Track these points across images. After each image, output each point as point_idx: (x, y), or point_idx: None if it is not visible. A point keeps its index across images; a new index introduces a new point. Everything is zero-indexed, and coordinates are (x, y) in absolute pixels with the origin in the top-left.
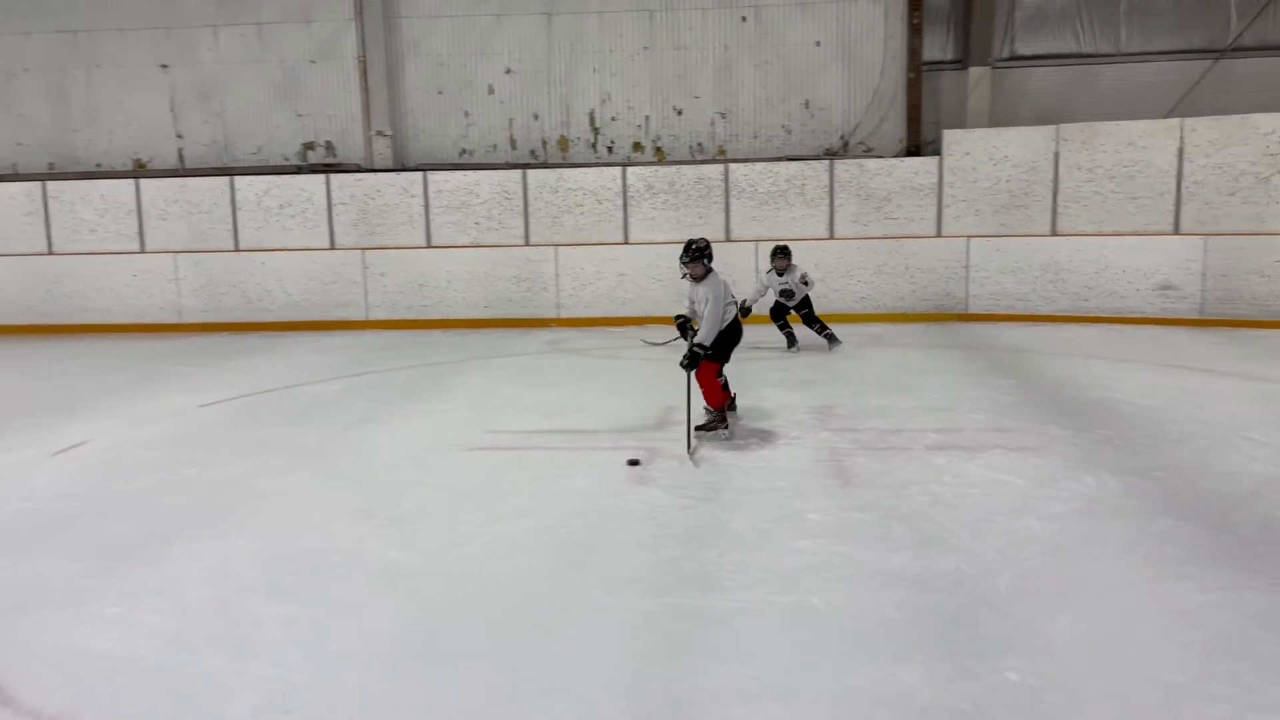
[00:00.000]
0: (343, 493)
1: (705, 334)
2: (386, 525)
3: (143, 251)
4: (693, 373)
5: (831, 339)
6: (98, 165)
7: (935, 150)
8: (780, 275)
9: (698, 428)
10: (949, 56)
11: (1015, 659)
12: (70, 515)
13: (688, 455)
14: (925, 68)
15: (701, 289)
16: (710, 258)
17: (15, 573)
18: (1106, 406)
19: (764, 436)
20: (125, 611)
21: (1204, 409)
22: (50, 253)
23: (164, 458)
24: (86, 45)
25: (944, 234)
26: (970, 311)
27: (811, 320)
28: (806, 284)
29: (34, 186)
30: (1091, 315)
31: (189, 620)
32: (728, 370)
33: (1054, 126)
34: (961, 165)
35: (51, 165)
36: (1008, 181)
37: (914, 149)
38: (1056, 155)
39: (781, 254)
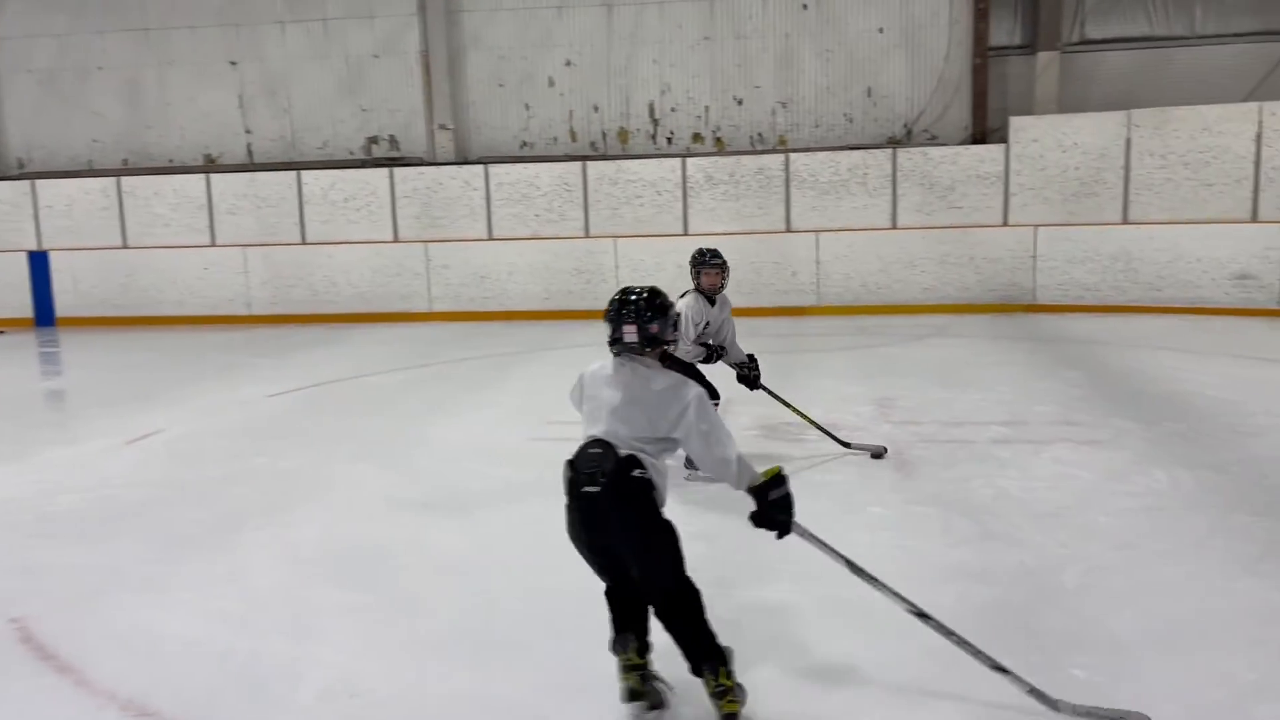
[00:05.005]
0: (405, 483)
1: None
2: (448, 516)
3: (213, 245)
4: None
5: None
6: (170, 161)
7: (1002, 138)
8: None
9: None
10: (1016, 41)
11: (1081, 655)
12: (143, 502)
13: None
14: (991, 53)
15: (725, 311)
16: None
17: (90, 559)
18: (1179, 399)
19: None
20: (196, 597)
21: None
22: (125, 246)
23: (233, 447)
24: (159, 43)
25: (1011, 223)
26: (1038, 302)
27: None
28: None
29: (109, 182)
30: (1164, 306)
31: (257, 606)
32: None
33: (1125, 112)
34: (1029, 153)
35: (125, 161)
36: (1077, 169)
37: (980, 136)
38: (1128, 141)
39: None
